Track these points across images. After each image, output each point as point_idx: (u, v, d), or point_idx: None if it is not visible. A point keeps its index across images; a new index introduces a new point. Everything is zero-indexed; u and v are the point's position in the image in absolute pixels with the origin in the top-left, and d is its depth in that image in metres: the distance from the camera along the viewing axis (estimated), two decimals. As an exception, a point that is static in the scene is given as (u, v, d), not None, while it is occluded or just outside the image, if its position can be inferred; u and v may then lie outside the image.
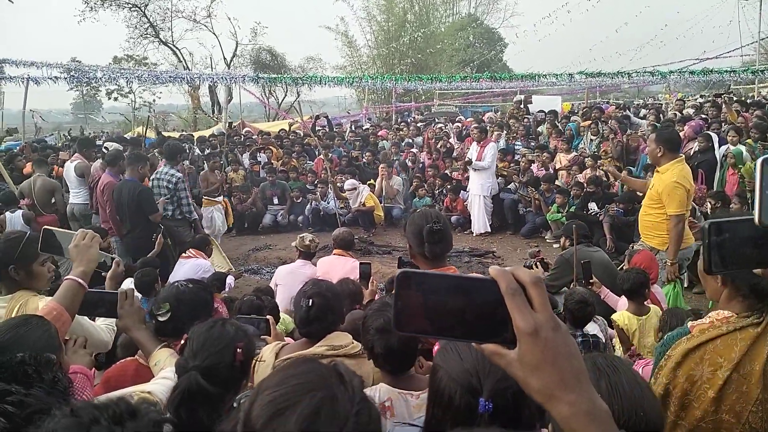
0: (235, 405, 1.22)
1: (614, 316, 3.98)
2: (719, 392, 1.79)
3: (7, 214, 7.39)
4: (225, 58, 30.60)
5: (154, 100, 30.88)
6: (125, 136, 15.85)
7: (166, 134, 15.89)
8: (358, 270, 5.33)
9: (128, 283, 3.03)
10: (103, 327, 2.80)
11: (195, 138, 14.28)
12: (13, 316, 2.47)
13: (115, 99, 32.91)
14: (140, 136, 12.44)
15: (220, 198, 9.57)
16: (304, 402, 0.86)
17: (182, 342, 1.77)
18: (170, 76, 15.43)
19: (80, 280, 2.28)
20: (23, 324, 1.79)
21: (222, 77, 14.65)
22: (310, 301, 2.53)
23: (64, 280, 2.31)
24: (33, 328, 1.77)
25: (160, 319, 2.30)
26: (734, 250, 0.99)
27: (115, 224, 6.82)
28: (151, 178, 7.10)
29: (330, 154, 11.93)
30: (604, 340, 3.77)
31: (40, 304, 2.44)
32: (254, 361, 2.70)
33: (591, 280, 4.54)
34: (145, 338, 2.37)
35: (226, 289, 6.25)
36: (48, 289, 2.94)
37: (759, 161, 0.93)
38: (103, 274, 3.50)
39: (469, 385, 1.09)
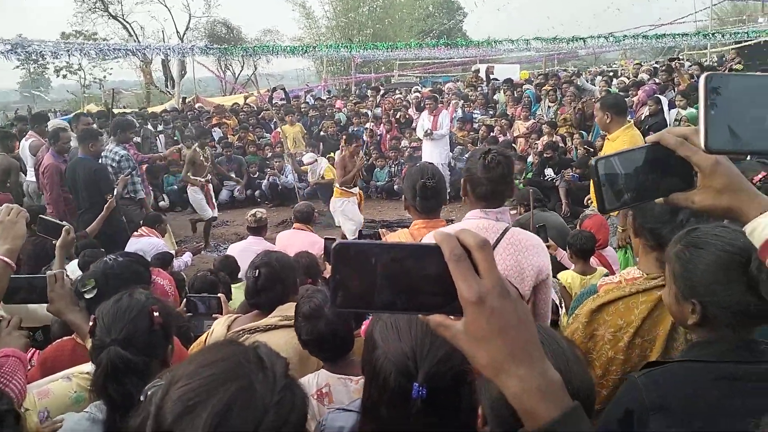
0: (142, 398, 1.15)
1: (559, 275, 4.04)
2: (624, 354, 1.79)
3: None
4: (178, 32, 29.72)
5: (104, 77, 29.82)
6: (74, 113, 15.25)
7: (117, 111, 15.36)
8: (318, 244, 5.29)
9: (73, 265, 2.91)
10: None
11: (147, 114, 13.81)
12: None
13: (64, 76, 31.63)
14: (86, 113, 11.96)
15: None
16: (216, 396, 0.79)
17: (91, 323, 1.69)
18: (120, 50, 14.81)
19: (6, 259, 2.15)
20: None
21: (173, 49, 14.13)
22: (257, 271, 2.49)
23: None
24: None
25: (87, 296, 2.19)
26: (627, 182, 0.93)
27: (60, 205, 6.55)
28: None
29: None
30: (557, 301, 3.83)
31: None
32: (206, 334, 2.65)
33: (547, 243, 4.58)
34: (79, 320, 2.25)
35: (182, 267, 6.13)
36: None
37: (702, 78, 0.87)
38: (53, 242, 3.40)
39: (404, 368, 1.04)
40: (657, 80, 11.85)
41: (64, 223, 3.14)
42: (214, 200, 8.98)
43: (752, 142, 0.87)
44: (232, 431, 0.77)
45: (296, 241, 5.60)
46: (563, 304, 3.99)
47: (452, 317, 0.66)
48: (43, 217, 2.95)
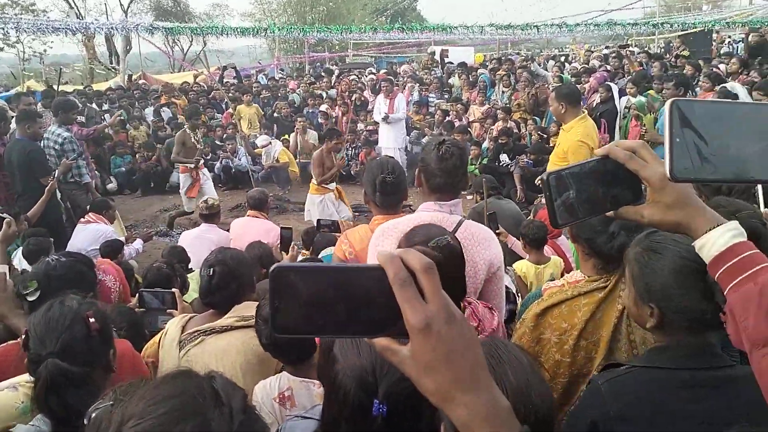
0: (86, 421, 1.09)
1: (514, 265, 4.10)
2: (570, 357, 1.82)
3: None
4: (122, 5, 28.38)
5: (45, 50, 28.31)
6: (15, 92, 14.46)
7: (58, 88, 14.63)
8: (273, 231, 5.20)
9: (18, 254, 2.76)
10: None
11: (92, 92, 13.21)
12: None
13: (0, 49, 29.91)
14: (28, 92, 11.37)
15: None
16: None
17: (23, 336, 1.61)
18: (61, 27, 14.03)
19: None
20: None
21: (117, 27, 13.49)
22: (212, 270, 2.41)
23: None
24: None
25: (29, 299, 2.09)
26: (578, 196, 0.92)
27: (1, 190, 6.22)
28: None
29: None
30: (514, 291, 3.88)
31: None
32: (160, 334, 2.56)
33: (498, 231, 4.63)
34: (23, 324, 2.12)
35: (132, 254, 5.93)
36: None
37: (667, 104, 0.86)
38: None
39: (364, 384, 1.01)
40: (608, 67, 12.11)
41: (4, 215, 2.96)
42: (203, 186, 8.28)
43: (717, 170, 0.87)
44: None
45: (251, 229, 5.49)
46: (519, 294, 4.07)
47: (399, 341, 0.64)
48: None
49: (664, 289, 1.38)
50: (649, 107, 7.67)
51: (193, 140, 8.12)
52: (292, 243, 4.48)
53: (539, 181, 4.52)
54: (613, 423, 1.35)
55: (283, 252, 4.57)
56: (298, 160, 10.67)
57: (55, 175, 6.08)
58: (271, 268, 0.64)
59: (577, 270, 2.26)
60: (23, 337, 1.62)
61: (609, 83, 9.42)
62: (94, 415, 1.05)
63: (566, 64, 13.98)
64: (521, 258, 4.36)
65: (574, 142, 4.72)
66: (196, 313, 2.78)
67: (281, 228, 4.85)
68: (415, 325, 0.61)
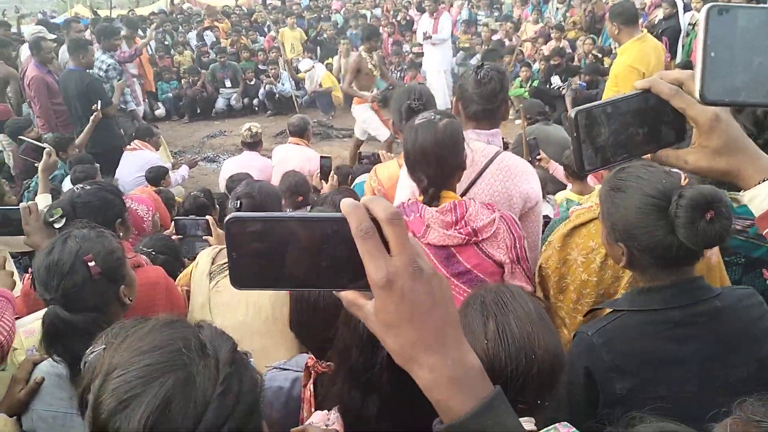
0: (83, 365, 1.09)
1: (557, 195, 3.95)
2: (597, 276, 1.80)
3: None
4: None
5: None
6: (59, 18, 14.56)
7: (104, 14, 14.66)
8: (313, 160, 5.17)
9: (41, 199, 2.81)
10: None
11: (135, 17, 13.16)
12: None
13: (49, -27, 30.00)
14: (77, 19, 11.42)
15: None
16: (152, 391, 0.72)
17: (29, 277, 1.61)
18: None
19: None
20: None
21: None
22: (239, 202, 2.42)
23: None
24: None
25: (56, 226, 2.11)
26: (611, 136, 0.81)
27: (51, 118, 6.36)
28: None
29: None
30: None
31: None
32: (192, 264, 2.60)
33: (539, 157, 4.45)
34: None
35: (179, 181, 6.04)
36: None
37: (704, 10, 0.72)
38: (36, 164, 3.31)
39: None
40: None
41: (45, 145, 3.01)
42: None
43: (755, 94, 0.74)
44: (169, 428, 0.71)
45: (292, 157, 5.48)
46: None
47: (366, 294, 0.60)
48: (24, 138, 2.83)
49: (628, 228, 1.36)
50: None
51: (369, 66, 6.82)
52: (331, 172, 4.45)
53: (567, 120, 4.23)
54: (608, 373, 1.36)
55: (322, 181, 4.55)
56: (341, 85, 10.47)
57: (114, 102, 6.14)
58: (227, 217, 0.60)
59: None
60: (29, 278, 1.62)
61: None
62: (89, 359, 1.04)
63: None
64: (565, 186, 4.20)
65: (624, 66, 4.41)
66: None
67: (321, 157, 4.82)
68: (377, 281, 0.56)
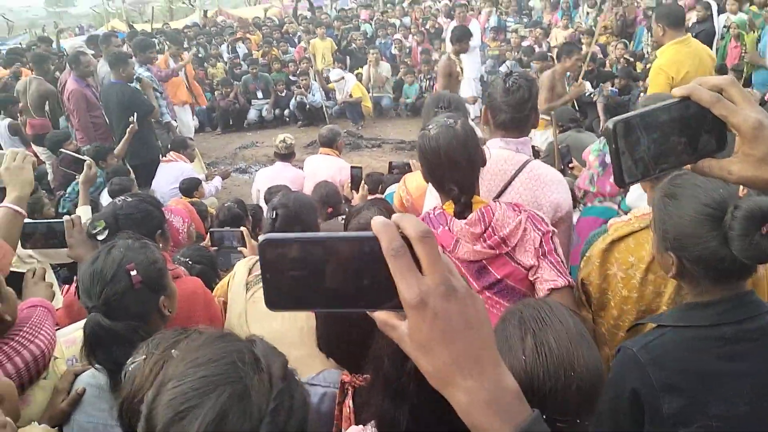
0: (123, 375, 1.10)
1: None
2: (638, 292, 1.74)
3: None
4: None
5: (127, -10, 28.99)
6: (103, 34, 14.97)
7: (141, 27, 15.04)
8: (344, 170, 5.20)
9: (82, 211, 2.88)
10: None
11: (170, 30, 13.47)
12: None
13: (85, -12, 30.88)
14: (115, 33, 11.74)
15: None
16: (208, 403, 0.73)
17: (74, 285, 1.64)
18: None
19: (16, 207, 2.12)
20: None
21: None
22: (275, 212, 2.42)
23: None
24: None
25: (99, 238, 2.15)
26: (650, 147, 0.78)
27: (90, 131, 6.53)
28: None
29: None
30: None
31: None
32: (229, 275, 2.64)
33: (570, 165, 4.39)
34: None
35: (213, 192, 6.15)
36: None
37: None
38: (77, 177, 3.40)
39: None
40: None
41: (85, 157, 3.09)
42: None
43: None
44: None
45: (323, 167, 5.52)
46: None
47: (400, 315, 0.59)
48: (64, 150, 2.94)
49: (680, 237, 1.31)
50: (750, 25, 6.90)
51: (458, 68, 6.60)
52: (362, 182, 4.47)
53: (603, 131, 4.08)
54: (655, 392, 1.31)
55: (353, 191, 4.57)
56: (371, 95, 10.53)
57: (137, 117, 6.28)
58: (260, 239, 0.60)
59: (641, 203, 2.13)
60: (74, 286, 1.66)
61: (708, 0, 8.53)
62: (129, 369, 1.06)
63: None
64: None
65: (655, 67, 4.32)
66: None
67: (351, 167, 4.84)
68: (409, 300, 0.55)
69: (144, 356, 1.30)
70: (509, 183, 2.16)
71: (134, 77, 6.45)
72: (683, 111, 0.78)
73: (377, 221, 0.57)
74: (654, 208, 1.41)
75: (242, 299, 2.36)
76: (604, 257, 1.81)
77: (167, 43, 9.45)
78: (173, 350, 1.28)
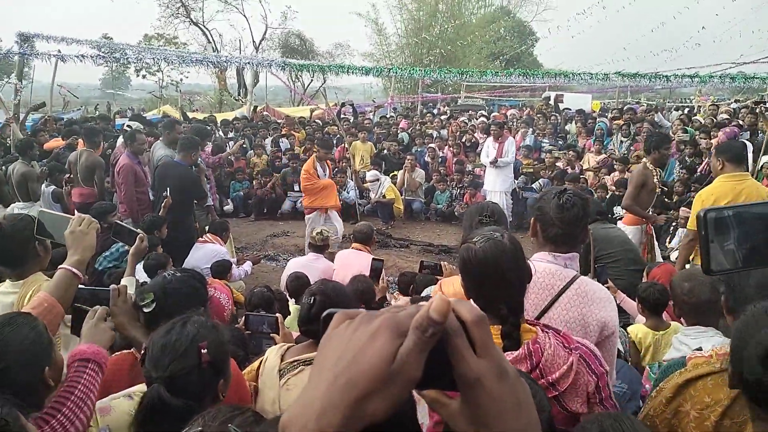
0: None
1: (630, 329, 3.83)
2: None
3: (43, 187, 7.41)
4: (254, 41, 30.63)
5: (181, 79, 31.01)
6: (148, 115, 15.89)
7: (191, 115, 15.91)
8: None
9: (128, 281, 2.95)
10: None
11: (218, 120, 14.23)
12: (26, 302, 2.39)
13: (143, 76, 33.13)
14: (166, 116, 12.45)
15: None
16: None
17: (142, 352, 1.65)
18: (201, 60, 15.27)
19: (75, 270, 2.18)
20: (8, 323, 1.67)
21: (251, 62, 14.46)
22: (312, 298, 2.45)
23: (58, 269, 2.21)
24: (19, 327, 1.66)
25: (145, 310, 2.18)
26: (741, 241, 0.79)
27: (134, 205, 6.78)
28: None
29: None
30: (623, 351, 3.63)
31: None
32: (259, 360, 2.63)
33: (606, 285, 4.38)
34: (140, 336, 2.24)
35: (242, 275, 6.22)
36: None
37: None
38: (126, 248, 3.49)
39: None
40: (740, 122, 11.30)
41: (138, 230, 3.19)
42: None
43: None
44: None
45: (354, 262, 5.60)
46: (629, 356, 3.79)
47: (448, 394, 0.61)
48: (119, 223, 3.07)
49: (745, 373, 1.23)
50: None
51: (655, 181, 5.80)
52: (382, 275, 4.51)
53: (696, 218, 4.04)
54: None
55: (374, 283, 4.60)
56: (403, 197, 10.81)
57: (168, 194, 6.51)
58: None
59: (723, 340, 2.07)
60: (143, 351, 1.66)
61: (744, 141, 8.77)
62: None
63: (692, 117, 13.20)
64: (627, 315, 4.09)
65: (696, 196, 4.46)
66: (294, 343, 2.83)
67: (372, 259, 4.90)
68: (465, 378, 0.58)
69: (200, 428, 1.30)
70: (556, 299, 2.14)
71: (196, 162, 6.77)
72: None
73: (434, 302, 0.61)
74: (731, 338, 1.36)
75: (276, 386, 2.34)
76: (678, 391, 1.74)
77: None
78: (230, 425, 1.28)
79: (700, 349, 2.13)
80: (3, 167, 7.52)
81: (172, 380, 1.53)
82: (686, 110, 16.24)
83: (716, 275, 0.90)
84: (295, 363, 2.39)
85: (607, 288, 4.28)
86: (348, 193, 10.57)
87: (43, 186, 7.45)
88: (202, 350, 1.60)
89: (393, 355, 0.56)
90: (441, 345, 0.58)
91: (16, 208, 6.79)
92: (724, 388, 1.64)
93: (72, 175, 7.59)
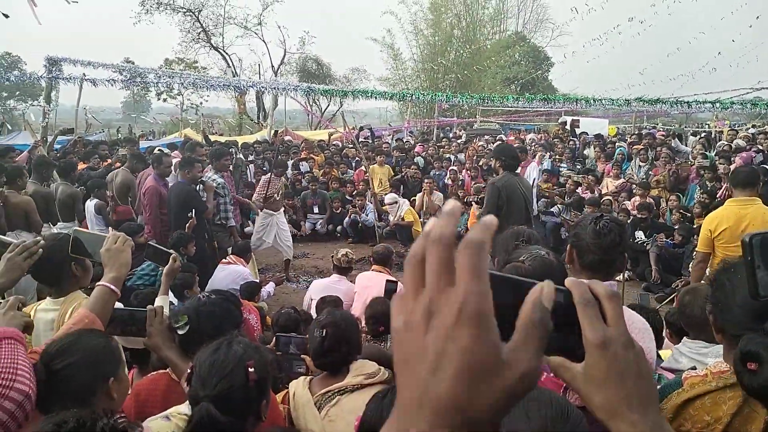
0: None
1: (661, 353, 3.80)
2: None
3: (87, 202, 7.59)
4: (273, 66, 31.09)
5: (201, 103, 31.56)
6: (169, 138, 16.13)
7: (212, 138, 16.16)
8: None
9: (161, 301, 2.99)
10: None
11: (239, 143, 14.43)
12: (66, 319, 2.43)
13: (164, 100, 33.81)
14: (188, 139, 12.66)
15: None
16: None
17: (189, 371, 1.67)
18: (222, 84, 15.55)
19: (112, 287, 2.22)
20: (87, 332, 1.71)
21: (271, 86, 14.71)
22: (324, 331, 2.46)
23: (96, 286, 2.25)
24: (94, 335, 1.68)
25: (180, 332, 2.20)
26: None
27: (157, 226, 6.89)
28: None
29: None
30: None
31: None
32: (283, 393, 2.59)
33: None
34: (175, 357, 2.26)
35: (264, 297, 6.27)
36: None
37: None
38: (160, 269, 3.54)
39: None
40: (760, 146, 11.26)
41: (171, 251, 3.25)
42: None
43: None
44: None
45: (375, 283, 5.61)
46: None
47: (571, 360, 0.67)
48: (152, 244, 3.14)
49: None
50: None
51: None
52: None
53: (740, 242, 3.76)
54: None
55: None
56: (422, 220, 10.85)
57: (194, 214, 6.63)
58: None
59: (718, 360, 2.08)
60: (189, 371, 1.68)
61: (765, 166, 8.72)
62: None
63: (712, 142, 13.16)
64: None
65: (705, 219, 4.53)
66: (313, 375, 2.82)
67: (387, 281, 4.91)
68: (593, 341, 0.64)
69: None
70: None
71: (198, 180, 6.91)
72: None
73: (571, 280, 0.67)
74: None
75: (317, 419, 2.35)
76: (677, 412, 1.75)
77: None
78: None
79: (694, 368, 2.13)
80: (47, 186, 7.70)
81: (218, 399, 1.55)
82: (703, 135, 16.16)
83: (765, 299, 0.89)
84: (329, 393, 2.40)
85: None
86: (367, 215, 10.64)
87: (87, 201, 7.63)
88: (250, 369, 1.62)
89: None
90: (567, 312, 0.64)
91: (59, 227, 6.95)
92: (722, 405, 1.67)
93: (111, 194, 7.81)
